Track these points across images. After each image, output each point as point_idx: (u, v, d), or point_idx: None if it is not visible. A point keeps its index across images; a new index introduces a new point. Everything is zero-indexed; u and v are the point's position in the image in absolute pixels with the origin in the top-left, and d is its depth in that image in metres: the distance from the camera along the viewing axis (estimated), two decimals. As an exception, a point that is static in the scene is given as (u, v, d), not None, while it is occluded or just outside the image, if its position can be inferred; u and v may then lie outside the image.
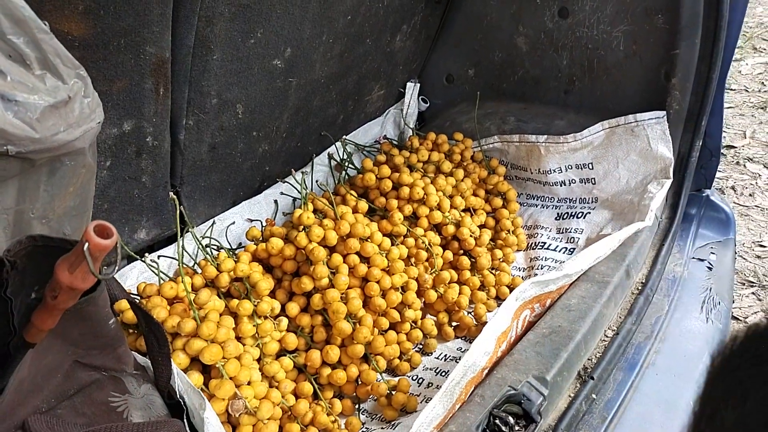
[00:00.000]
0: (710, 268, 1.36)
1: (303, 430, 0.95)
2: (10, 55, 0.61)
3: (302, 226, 1.11)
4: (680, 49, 1.30)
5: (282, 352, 1.05)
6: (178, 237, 1.08)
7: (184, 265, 1.08)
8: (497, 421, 0.86)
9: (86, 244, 0.48)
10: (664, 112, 1.33)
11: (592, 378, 1.01)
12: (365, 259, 1.12)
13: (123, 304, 0.83)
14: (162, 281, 1.04)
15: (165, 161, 1.08)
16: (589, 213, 1.40)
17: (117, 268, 0.52)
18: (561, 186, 1.46)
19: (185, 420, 0.76)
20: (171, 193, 1.11)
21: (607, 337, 1.12)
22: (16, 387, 0.62)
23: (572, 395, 0.99)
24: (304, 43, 1.19)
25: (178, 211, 1.11)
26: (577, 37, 1.45)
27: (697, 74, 1.31)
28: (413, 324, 1.15)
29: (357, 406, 1.05)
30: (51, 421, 0.61)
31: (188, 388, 0.78)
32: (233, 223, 1.28)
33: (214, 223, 1.25)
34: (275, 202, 1.36)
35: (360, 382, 1.06)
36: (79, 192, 0.72)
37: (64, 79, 0.65)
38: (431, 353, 1.16)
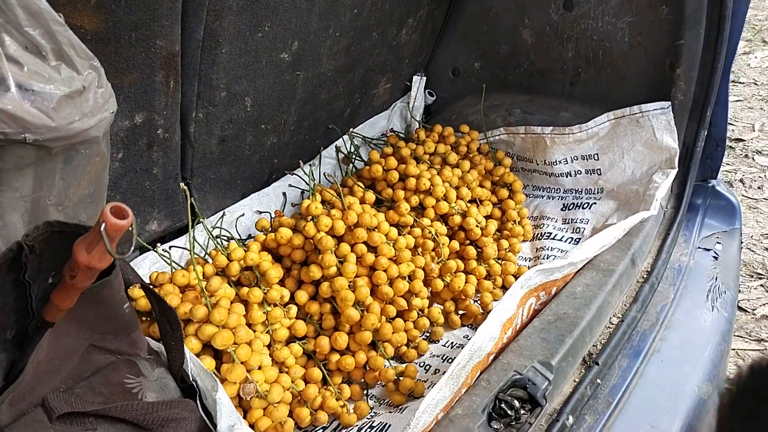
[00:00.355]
0: (716, 258, 1.36)
1: (312, 414, 0.97)
2: (27, 47, 0.63)
3: (310, 216, 1.13)
4: (685, 39, 1.30)
5: (292, 339, 1.07)
6: (190, 228, 1.10)
7: (196, 255, 1.10)
8: (503, 405, 0.87)
9: (103, 225, 0.50)
10: (669, 103, 1.34)
11: (597, 363, 1.02)
12: (372, 249, 1.14)
13: (136, 291, 0.85)
14: (174, 270, 1.06)
15: (176, 153, 1.10)
16: (595, 203, 1.40)
17: (132, 248, 0.54)
18: (567, 177, 1.47)
19: (198, 402, 0.78)
20: (182, 185, 1.13)
21: (612, 324, 1.12)
22: (34, 368, 0.64)
23: (577, 380, 1.00)
24: (311, 37, 1.20)
25: (189, 203, 1.13)
26: (582, 29, 1.46)
27: (702, 64, 1.31)
28: (420, 312, 1.17)
29: (365, 392, 1.06)
30: (69, 399, 0.64)
31: (201, 372, 0.80)
32: (243, 215, 1.30)
33: (224, 214, 1.27)
34: (284, 194, 1.38)
35: (368, 368, 1.08)
36: (93, 180, 0.75)
37: (79, 70, 0.67)
38: (438, 341, 1.17)
